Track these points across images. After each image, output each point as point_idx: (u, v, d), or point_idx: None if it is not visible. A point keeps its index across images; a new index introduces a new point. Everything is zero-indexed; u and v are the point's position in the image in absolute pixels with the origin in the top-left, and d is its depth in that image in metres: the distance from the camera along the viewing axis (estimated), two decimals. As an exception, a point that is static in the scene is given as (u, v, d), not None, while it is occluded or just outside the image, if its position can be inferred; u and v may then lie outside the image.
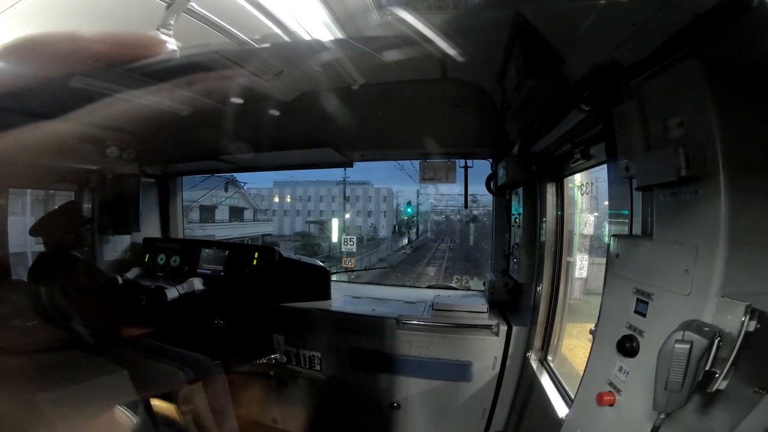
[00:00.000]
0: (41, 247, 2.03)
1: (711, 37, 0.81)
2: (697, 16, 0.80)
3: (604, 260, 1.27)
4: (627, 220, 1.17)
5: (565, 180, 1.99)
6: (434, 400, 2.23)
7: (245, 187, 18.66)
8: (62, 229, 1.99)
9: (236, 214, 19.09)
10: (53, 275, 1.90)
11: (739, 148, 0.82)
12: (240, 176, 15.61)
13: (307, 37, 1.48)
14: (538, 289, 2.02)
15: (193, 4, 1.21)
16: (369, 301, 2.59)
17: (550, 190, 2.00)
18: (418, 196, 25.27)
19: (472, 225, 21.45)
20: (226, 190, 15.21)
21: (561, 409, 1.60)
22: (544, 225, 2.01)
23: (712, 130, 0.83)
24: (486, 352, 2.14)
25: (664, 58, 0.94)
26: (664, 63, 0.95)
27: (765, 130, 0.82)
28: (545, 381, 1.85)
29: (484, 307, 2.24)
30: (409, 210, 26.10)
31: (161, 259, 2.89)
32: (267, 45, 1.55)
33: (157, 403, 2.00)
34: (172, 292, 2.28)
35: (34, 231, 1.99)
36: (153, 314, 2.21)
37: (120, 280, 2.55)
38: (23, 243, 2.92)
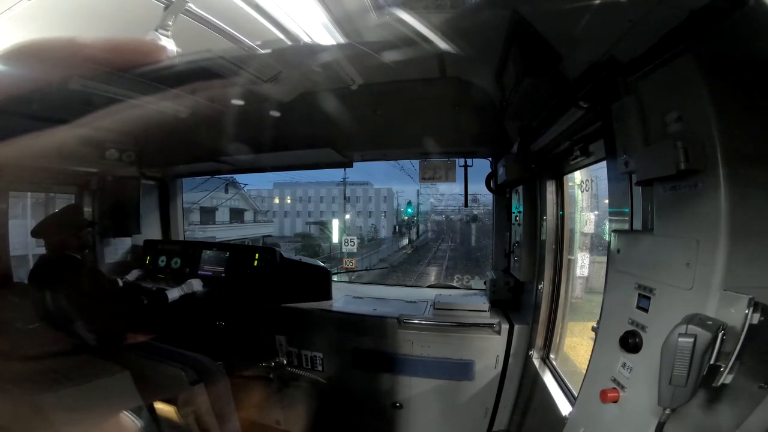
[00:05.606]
0: (42, 250, 2.04)
1: (706, 33, 0.81)
2: (692, 12, 0.80)
3: (605, 258, 1.27)
4: (627, 216, 1.17)
5: (565, 177, 1.99)
6: (437, 399, 2.22)
7: (245, 189, 18.74)
8: (64, 231, 2.02)
9: (237, 215, 19.08)
10: (54, 277, 1.92)
11: (738, 141, 0.82)
12: (240, 178, 15.73)
13: (305, 38, 1.48)
14: (540, 287, 2.01)
15: (191, 5, 1.21)
16: (370, 301, 2.59)
17: (550, 188, 2.00)
18: (418, 196, 25.35)
19: (472, 224, 21.49)
20: (226, 191, 15.26)
21: (564, 407, 1.59)
22: (544, 223, 2.01)
23: (710, 124, 0.83)
24: (488, 351, 2.14)
25: (660, 54, 0.94)
26: (661, 59, 0.95)
27: (762, 122, 0.82)
28: (548, 379, 1.85)
29: (486, 306, 2.24)
30: (409, 210, 26.11)
31: (162, 261, 2.90)
32: (265, 46, 1.55)
33: (159, 405, 2.00)
34: (173, 293, 2.30)
35: (37, 233, 2.02)
36: (155, 316, 2.22)
37: (120, 283, 2.55)
38: (24, 246, 2.92)
